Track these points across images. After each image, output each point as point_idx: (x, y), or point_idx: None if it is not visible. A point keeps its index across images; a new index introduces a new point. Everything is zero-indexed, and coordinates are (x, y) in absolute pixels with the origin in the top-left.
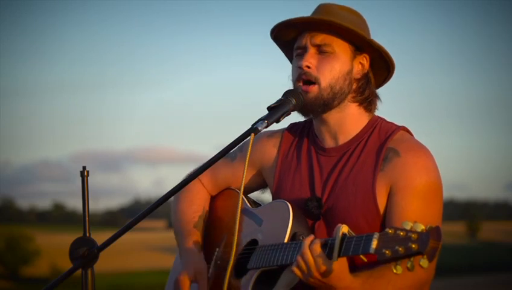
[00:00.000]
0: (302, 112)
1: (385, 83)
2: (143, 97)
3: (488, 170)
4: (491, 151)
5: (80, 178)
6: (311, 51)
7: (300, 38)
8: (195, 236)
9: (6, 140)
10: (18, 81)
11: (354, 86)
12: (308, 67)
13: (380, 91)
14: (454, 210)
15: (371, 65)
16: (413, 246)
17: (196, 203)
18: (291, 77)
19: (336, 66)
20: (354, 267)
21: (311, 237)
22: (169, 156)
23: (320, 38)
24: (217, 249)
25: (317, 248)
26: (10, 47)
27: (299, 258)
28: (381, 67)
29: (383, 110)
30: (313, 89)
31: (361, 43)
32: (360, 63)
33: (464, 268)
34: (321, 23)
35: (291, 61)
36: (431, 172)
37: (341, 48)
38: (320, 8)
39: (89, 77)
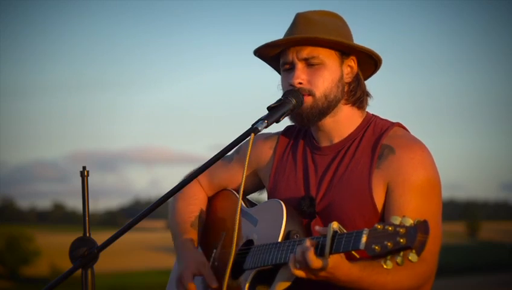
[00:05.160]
0: (299, 121)
1: (373, 75)
2: (139, 97)
3: (488, 170)
4: (491, 151)
5: (79, 178)
6: (300, 65)
7: (286, 54)
8: (192, 234)
9: (4, 140)
10: (14, 82)
11: (346, 89)
12: (300, 83)
13: (380, 91)
14: (454, 210)
15: (359, 63)
16: (401, 240)
17: (193, 204)
18: (281, 88)
19: (327, 76)
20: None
21: (307, 240)
22: (165, 156)
23: (306, 51)
24: (214, 251)
25: (309, 247)
26: (7, 47)
27: (292, 259)
28: (369, 63)
29: (382, 110)
30: (308, 100)
31: (346, 48)
32: (349, 66)
33: (463, 268)
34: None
35: (278, 72)
36: (427, 167)
37: (328, 57)
38: (300, 19)
39: (85, 77)
